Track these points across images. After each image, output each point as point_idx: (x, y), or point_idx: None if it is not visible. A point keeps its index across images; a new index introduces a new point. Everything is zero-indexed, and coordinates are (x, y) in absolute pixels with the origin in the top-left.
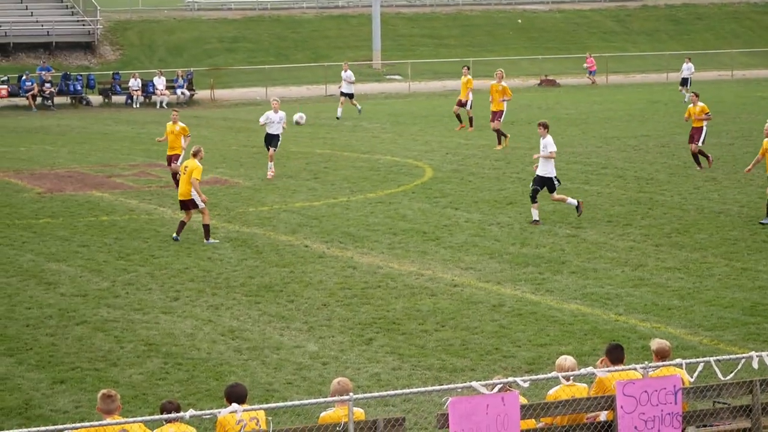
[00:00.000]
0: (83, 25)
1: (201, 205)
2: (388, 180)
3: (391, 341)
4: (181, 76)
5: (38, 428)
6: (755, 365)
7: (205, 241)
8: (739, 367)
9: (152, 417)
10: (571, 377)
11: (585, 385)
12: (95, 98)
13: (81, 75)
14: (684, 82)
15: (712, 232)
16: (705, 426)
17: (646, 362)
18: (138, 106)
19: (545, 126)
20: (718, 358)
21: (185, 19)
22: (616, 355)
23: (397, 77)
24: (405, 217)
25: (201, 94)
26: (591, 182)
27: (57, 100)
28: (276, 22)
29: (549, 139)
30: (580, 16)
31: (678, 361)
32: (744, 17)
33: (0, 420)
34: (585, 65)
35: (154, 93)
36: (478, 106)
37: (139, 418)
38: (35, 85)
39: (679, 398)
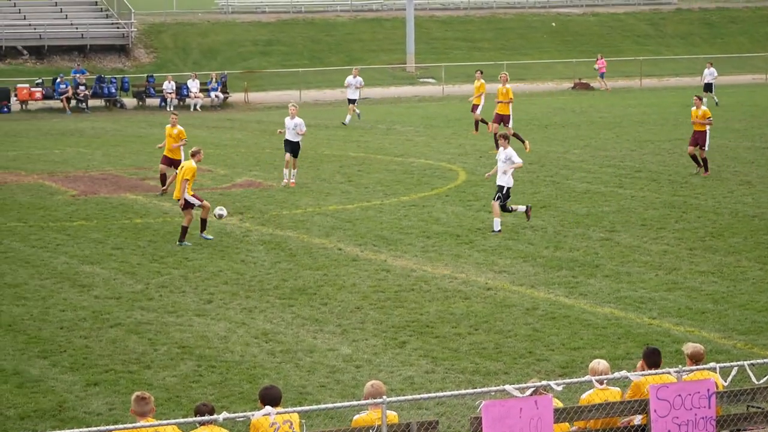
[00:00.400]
0: (117, 27)
1: (197, 203)
2: (421, 183)
3: (425, 344)
4: (215, 79)
5: (72, 430)
6: None
7: (178, 242)
8: None
9: (186, 419)
10: (605, 381)
11: (618, 389)
12: (129, 101)
13: (115, 78)
14: (707, 87)
15: (747, 236)
16: (739, 430)
17: (680, 366)
18: (172, 108)
19: (505, 138)
20: (752, 362)
21: (219, 22)
22: (653, 359)
23: (430, 80)
24: (438, 220)
25: (235, 97)
26: (625, 186)
27: (91, 102)
28: (310, 25)
29: (510, 150)
30: (614, 20)
31: (712, 365)
32: None
33: (34, 422)
34: (595, 67)
35: (188, 96)
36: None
37: (173, 421)
38: (69, 87)
39: (712, 402)
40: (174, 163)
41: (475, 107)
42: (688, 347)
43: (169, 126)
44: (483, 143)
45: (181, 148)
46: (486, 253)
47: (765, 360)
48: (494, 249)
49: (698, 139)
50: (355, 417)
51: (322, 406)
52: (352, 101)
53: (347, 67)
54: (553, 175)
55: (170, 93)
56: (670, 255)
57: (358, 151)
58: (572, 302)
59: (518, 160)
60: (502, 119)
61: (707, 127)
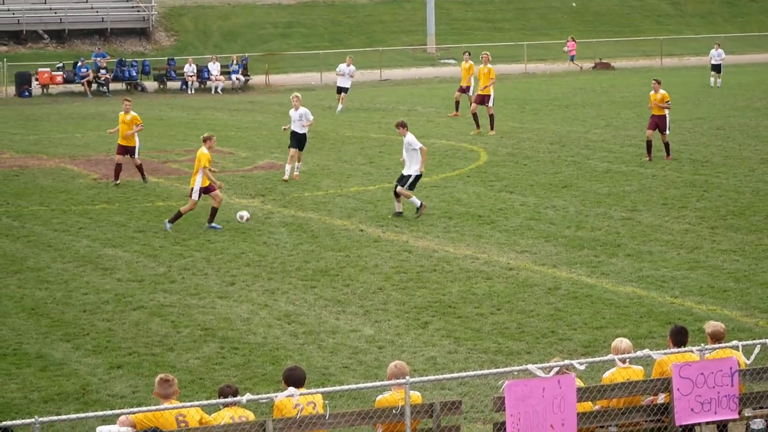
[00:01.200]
0: (138, 11)
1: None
2: (443, 164)
3: (447, 325)
4: (236, 61)
5: (96, 413)
6: None
7: (207, 224)
8: None
9: (209, 401)
10: (627, 360)
11: (641, 367)
12: (150, 84)
13: (136, 61)
14: (715, 68)
15: (767, 215)
16: (762, 408)
17: (703, 344)
18: (193, 92)
19: (404, 125)
20: None
21: (240, 4)
22: (680, 338)
23: (451, 61)
24: (460, 201)
25: (256, 79)
26: (646, 165)
27: (112, 86)
28: (330, 7)
29: (410, 137)
30: (635, 0)
31: (734, 343)
32: None
33: (57, 405)
34: (565, 49)
35: (209, 79)
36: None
37: (196, 403)
38: (90, 71)
39: (735, 380)
40: (129, 151)
41: (464, 89)
42: (709, 326)
43: (122, 113)
44: (504, 124)
45: (136, 135)
46: (508, 234)
47: None
48: (516, 229)
49: (658, 123)
50: (378, 397)
51: (345, 387)
52: (343, 89)
53: (368, 49)
54: (575, 155)
55: (191, 76)
56: (691, 234)
57: (379, 133)
58: (594, 281)
59: (417, 145)
60: (484, 99)
61: (666, 111)
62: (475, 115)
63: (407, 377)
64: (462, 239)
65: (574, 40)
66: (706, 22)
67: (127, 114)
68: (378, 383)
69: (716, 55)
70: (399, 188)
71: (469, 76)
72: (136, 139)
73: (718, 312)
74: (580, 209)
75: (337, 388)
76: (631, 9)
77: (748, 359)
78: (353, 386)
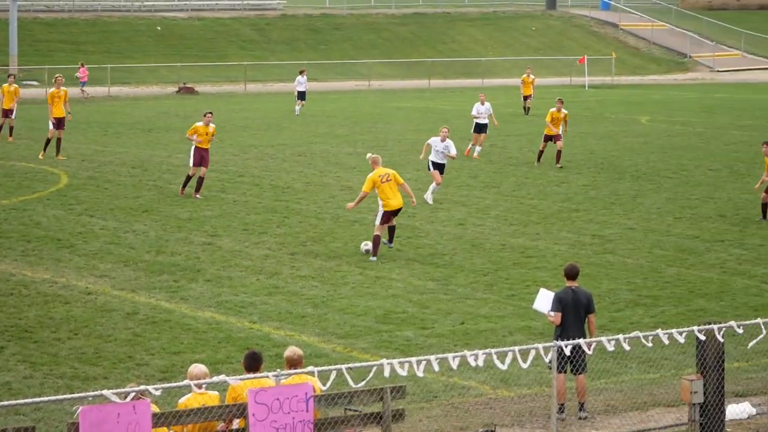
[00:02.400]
0: None
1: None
2: (22, 187)
3: (23, 349)
4: None
5: None
6: (386, 373)
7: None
8: (371, 375)
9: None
10: (204, 385)
11: (217, 393)
12: None
13: None
14: (300, 95)
15: (347, 241)
16: None
17: (278, 370)
18: None
19: None
20: (350, 365)
21: None
22: (250, 363)
23: (34, 83)
24: (39, 224)
25: None
26: (227, 191)
27: None
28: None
29: None
30: (220, 25)
31: (310, 368)
32: (381, 28)
33: None
34: (77, 75)
35: None
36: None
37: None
38: None
39: (310, 406)
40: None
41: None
42: (287, 351)
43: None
44: (86, 147)
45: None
46: (87, 257)
47: (362, 363)
48: (95, 253)
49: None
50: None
51: None
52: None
53: None
54: (156, 179)
55: None
56: (271, 259)
57: None
58: (173, 306)
59: None
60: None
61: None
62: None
63: None
64: (40, 263)
65: (84, 66)
66: (290, 49)
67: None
68: None
69: (301, 83)
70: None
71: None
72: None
73: (296, 337)
74: (160, 234)
75: None
76: (216, 34)
77: (324, 385)
78: None
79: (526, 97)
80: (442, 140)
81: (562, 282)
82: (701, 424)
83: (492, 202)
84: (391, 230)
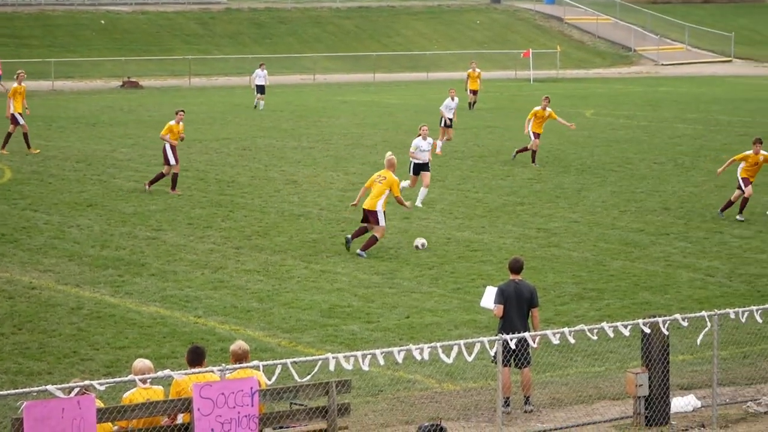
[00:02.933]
0: None
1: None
2: None
3: None
4: None
5: None
6: (332, 367)
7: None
8: (316, 369)
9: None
10: (148, 380)
11: (162, 387)
12: None
13: None
14: (260, 89)
15: (292, 235)
16: (282, 428)
17: (223, 364)
18: None
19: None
20: (295, 360)
21: None
22: (193, 357)
23: None
24: None
25: None
26: (169, 189)
27: None
28: None
29: None
30: (164, 19)
31: (255, 363)
32: (326, 22)
33: None
34: None
35: None
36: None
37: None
38: None
39: (255, 400)
40: None
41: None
42: (233, 345)
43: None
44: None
45: None
46: (31, 252)
47: (308, 357)
48: (39, 248)
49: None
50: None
51: None
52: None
53: None
54: (101, 173)
55: None
56: (216, 254)
57: None
58: (118, 301)
59: None
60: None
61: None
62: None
63: None
64: None
65: None
66: (235, 43)
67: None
68: None
69: (260, 76)
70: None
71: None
72: None
73: (241, 332)
74: (105, 228)
75: None
76: (160, 28)
77: (270, 379)
78: None
79: (473, 92)
80: (424, 138)
81: (507, 275)
82: (646, 417)
83: (437, 195)
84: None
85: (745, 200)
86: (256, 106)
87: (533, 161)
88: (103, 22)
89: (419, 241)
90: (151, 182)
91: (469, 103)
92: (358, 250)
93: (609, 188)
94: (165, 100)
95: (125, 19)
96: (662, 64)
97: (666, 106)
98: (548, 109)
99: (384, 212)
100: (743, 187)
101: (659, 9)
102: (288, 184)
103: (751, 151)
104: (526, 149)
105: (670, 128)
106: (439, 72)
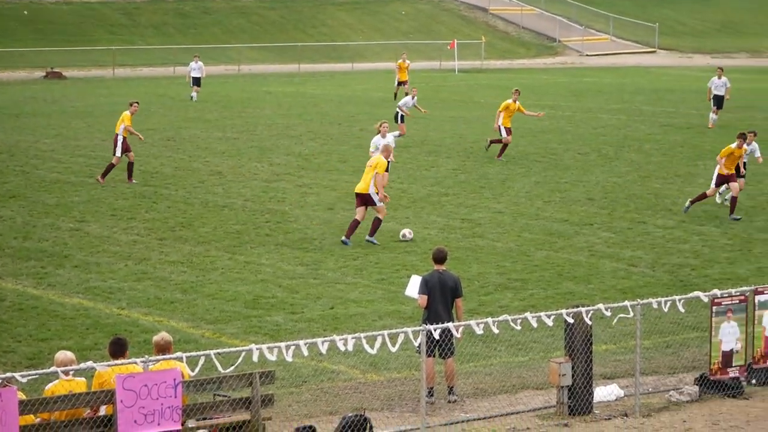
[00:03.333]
0: None
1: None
2: None
3: None
4: None
5: None
6: (255, 358)
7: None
8: (240, 360)
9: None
10: (71, 372)
11: (84, 379)
12: None
13: None
14: (195, 81)
15: (216, 226)
16: (205, 419)
17: (146, 356)
18: None
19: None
20: (218, 351)
21: None
22: (114, 348)
23: None
24: None
25: None
26: (95, 176)
27: None
28: None
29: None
30: (88, 9)
31: (179, 354)
32: (252, 12)
33: None
34: None
35: None
36: None
37: None
38: None
39: (178, 391)
40: None
41: None
42: (156, 337)
43: None
44: None
45: None
46: None
47: (232, 349)
48: None
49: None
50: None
51: None
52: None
53: None
54: (23, 164)
55: None
56: (140, 245)
57: None
58: (40, 293)
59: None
60: None
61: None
62: None
63: None
64: None
65: None
66: (159, 33)
67: None
68: None
69: (196, 68)
70: None
71: None
72: None
73: (165, 323)
74: (27, 219)
75: None
76: (84, 18)
77: (193, 370)
78: None
79: (401, 83)
80: (383, 136)
81: (432, 266)
82: (569, 406)
83: None
84: (375, 222)
85: (734, 198)
86: (191, 98)
87: (499, 156)
88: (26, 12)
89: (405, 232)
90: (104, 175)
91: (395, 94)
92: (367, 237)
93: (533, 179)
94: (89, 90)
95: (49, 9)
96: (587, 55)
97: (590, 97)
98: (517, 102)
99: (377, 193)
100: (729, 184)
101: (584, 0)
102: (212, 175)
103: (735, 144)
104: (499, 141)
105: (594, 119)
106: (364, 63)
